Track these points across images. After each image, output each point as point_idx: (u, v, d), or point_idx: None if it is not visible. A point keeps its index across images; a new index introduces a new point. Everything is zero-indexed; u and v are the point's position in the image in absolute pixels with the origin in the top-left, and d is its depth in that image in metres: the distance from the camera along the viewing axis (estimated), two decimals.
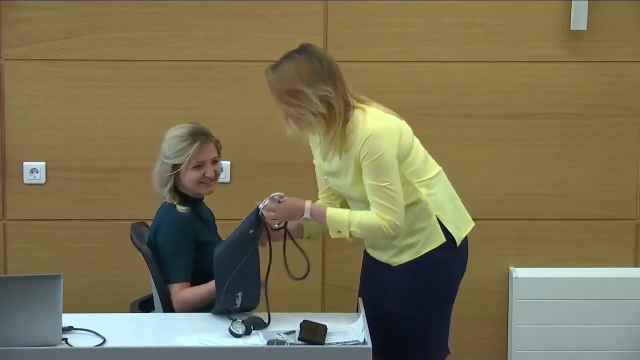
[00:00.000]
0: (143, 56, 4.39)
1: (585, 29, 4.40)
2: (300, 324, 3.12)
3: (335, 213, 3.34)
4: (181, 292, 3.53)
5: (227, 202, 4.26)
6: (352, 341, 3.08)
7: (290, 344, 3.04)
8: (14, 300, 2.92)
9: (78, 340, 3.08)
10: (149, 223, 3.99)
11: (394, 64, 4.44)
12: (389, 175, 3.28)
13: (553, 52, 4.45)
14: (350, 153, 3.33)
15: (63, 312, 3.00)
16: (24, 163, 4.42)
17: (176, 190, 3.66)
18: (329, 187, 3.54)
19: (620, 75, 4.46)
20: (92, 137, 4.42)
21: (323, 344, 3.04)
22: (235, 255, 3.32)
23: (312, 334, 3.07)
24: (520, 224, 4.55)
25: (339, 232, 3.33)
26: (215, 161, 3.68)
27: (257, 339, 3.10)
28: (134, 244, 3.77)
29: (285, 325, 3.18)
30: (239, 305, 3.34)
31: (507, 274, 4.54)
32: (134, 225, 3.87)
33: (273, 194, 3.32)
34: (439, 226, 3.40)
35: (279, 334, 3.11)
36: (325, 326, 3.12)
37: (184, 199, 3.66)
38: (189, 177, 3.62)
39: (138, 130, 4.42)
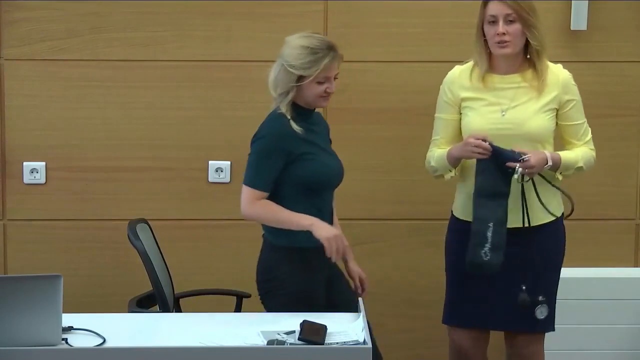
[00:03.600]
0: (143, 56, 4.39)
1: (585, 29, 4.40)
2: (300, 324, 3.12)
3: (565, 155, 3.63)
4: (256, 201, 3.48)
5: (227, 202, 4.27)
6: (352, 341, 3.08)
7: (290, 344, 3.03)
8: (14, 300, 2.92)
9: (78, 340, 3.08)
10: (151, 223, 4.01)
11: (394, 64, 4.43)
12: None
13: (553, 52, 4.41)
14: (544, 93, 3.63)
15: (63, 312, 3.00)
16: (24, 163, 4.41)
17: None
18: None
19: (620, 75, 4.46)
20: (92, 137, 4.42)
21: (323, 344, 3.04)
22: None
23: (312, 334, 3.07)
24: None
25: (561, 173, 3.63)
26: (336, 77, 3.57)
27: (257, 339, 3.10)
28: (130, 240, 3.78)
29: (285, 325, 3.18)
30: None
31: None
32: (131, 222, 3.88)
33: (522, 157, 3.49)
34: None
35: (279, 334, 3.10)
36: (325, 326, 3.12)
37: (299, 113, 3.53)
38: (312, 91, 3.50)
39: (138, 130, 4.42)
